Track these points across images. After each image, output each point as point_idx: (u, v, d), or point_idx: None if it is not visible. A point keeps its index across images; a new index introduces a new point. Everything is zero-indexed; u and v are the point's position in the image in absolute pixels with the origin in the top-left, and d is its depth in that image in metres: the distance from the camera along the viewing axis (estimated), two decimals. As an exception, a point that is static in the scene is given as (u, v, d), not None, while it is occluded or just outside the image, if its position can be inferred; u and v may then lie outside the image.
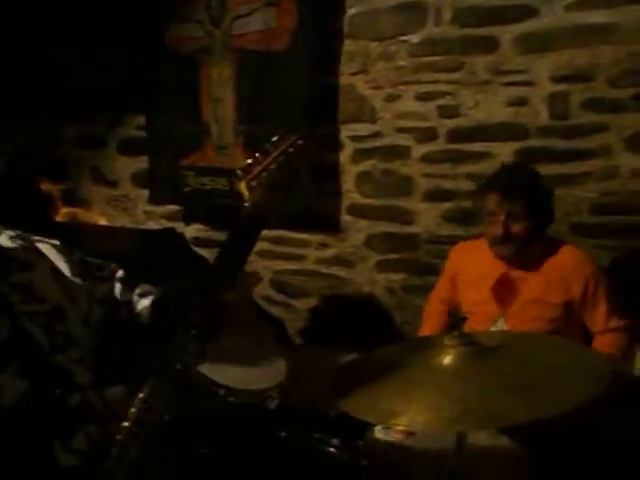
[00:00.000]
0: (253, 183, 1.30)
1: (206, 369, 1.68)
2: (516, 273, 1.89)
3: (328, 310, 2.82)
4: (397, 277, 2.66)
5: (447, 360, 1.08)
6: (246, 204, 1.28)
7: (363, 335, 2.70)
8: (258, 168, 1.33)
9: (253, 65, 2.53)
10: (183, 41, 2.69)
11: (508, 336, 1.42)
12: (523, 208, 1.80)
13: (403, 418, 0.99)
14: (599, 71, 2.16)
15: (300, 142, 1.41)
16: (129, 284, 1.32)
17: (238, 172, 1.32)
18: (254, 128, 2.58)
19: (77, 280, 1.18)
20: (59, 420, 1.06)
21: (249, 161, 1.35)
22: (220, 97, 2.64)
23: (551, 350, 1.16)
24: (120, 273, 1.33)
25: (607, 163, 2.21)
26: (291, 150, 1.39)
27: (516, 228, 1.81)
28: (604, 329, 1.84)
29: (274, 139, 1.41)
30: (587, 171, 2.24)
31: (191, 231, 3.04)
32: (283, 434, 1.47)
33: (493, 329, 1.91)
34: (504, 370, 1.05)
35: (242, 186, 1.30)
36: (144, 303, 1.28)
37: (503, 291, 1.89)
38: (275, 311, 2.93)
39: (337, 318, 2.78)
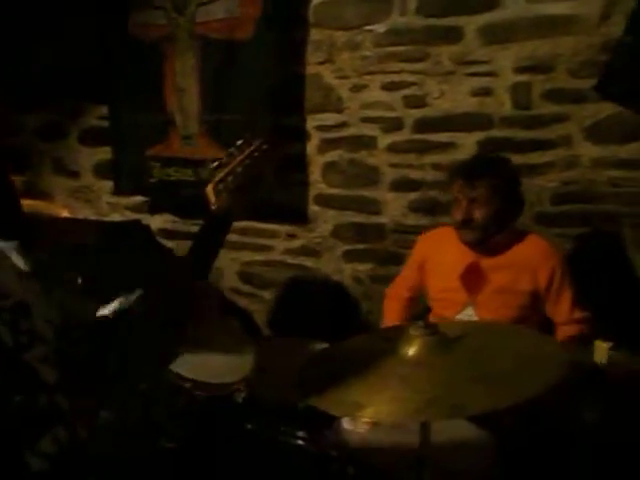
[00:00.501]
0: (219, 187, 1.33)
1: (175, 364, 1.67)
2: (485, 262, 1.92)
3: (296, 300, 2.82)
4: (364, 267, 2.68)
5: (412, 351, 1.09)
6: (212, 207, 1.31)
7: (331, 325, 2.73)
8: (224, 171, 1.36)
9: (217, 54, 2.50)
10: (147, 28, 2.63)
11: (471, 326, 1.45)
12: (485, 193, 1.81)
13: (368, 410, 1.00)
14: (560, 62, 2.19)
15: (265, 146, 1.43)
16: (88, 292, 1.32)
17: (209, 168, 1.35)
18: (219, 118, 2.55)
19: (35, 279, 1.16)
20: (27, 422, 1.04)
21: (215, 164, 1.38)
22: (184, 87, 2.59)
23: (513, 340, 1.18)
24: (79, 282, 1.32)
25: (568, 153, 2.26)
26: (256, 154, 1.41)
27: (478, 213, 1.83)
28: (567, 320, 1.88)
29: (239, 143, 1.42)
30: (549, 161, 2.28)
31: (157, 222, 3.00)
32: (250, 427, 1.46)
33: (461, 316, 1.94)
34: (467, 360, 1.07)
35: (208, 190, 1.31)
36: (111, 307, 1.27)
37: (472, 279, 1.92)
38: (243, 302, 2.92)
39: (305, 308, 2.78)
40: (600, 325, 1.91)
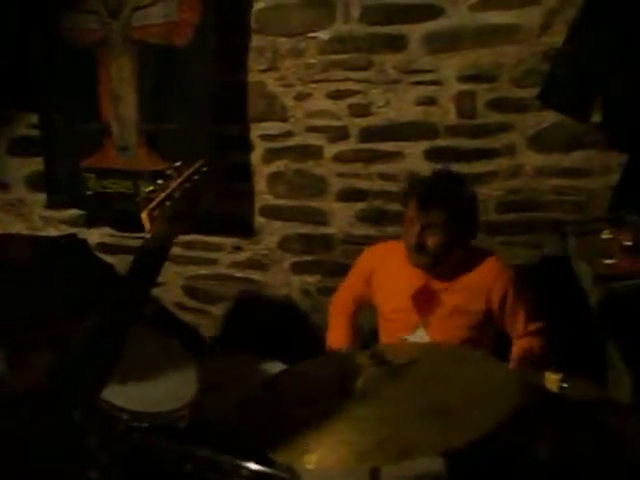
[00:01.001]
0: (155, 213, 1.24)
1: (105, 391, 1.56)
2: (436, 283, 1.86)
3: (244, 315, 2.73)
4: (312, 279, 2.62)
5: (359, 383, 1.04)
6: (147, 236, 1.23)
7: (280, 339, 2.66)
8: (161, 196, 1.27)
9: (155, 60, 2.39)
10: (79, 33, 2.50)
11: (419, 349, 1.39)
12: (440, 220, 1.74)
13: (314, 456, 0.93)
14: (503, 71, 2.20)
15: (205, 169, 1.34)
16: None
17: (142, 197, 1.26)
18: (158, 127, 2.45)
19: None
20: None
21: (151, 188, 1.30)
22: (121, 94, 2.47)
23: (463, 366, 1.14)
24: None
25: (512, 162, 2.26)
26: (196, 177, 1.32)
27: (431, 240, 1.76)
28: (523, 333, 1.86)
29: (177, 165, 1.33)
30: (493, 170, 2.28)
31: (95, 237, 2.86)
32: (189, 468, 1.37)
33: (413, 337, 1.89)
34: (416, 392, 1.02)
35: (143, 216, 1.23)
36: None
37: (423, 301, 1.86)
38: (188, 317, 2.81)
39: (253, 322, 2.70)
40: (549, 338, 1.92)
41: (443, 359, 1.19)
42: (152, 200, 1.25)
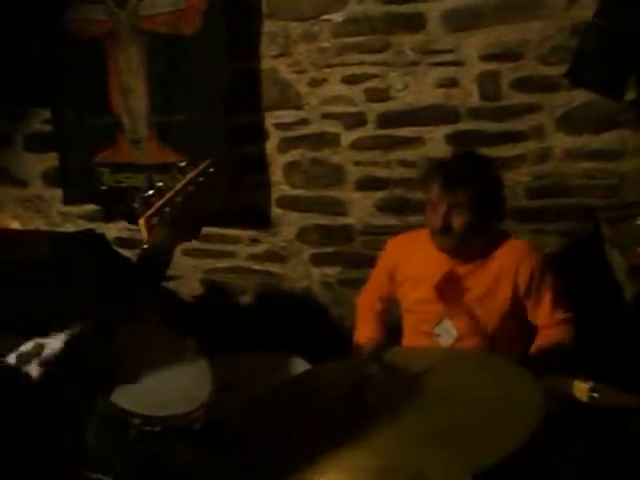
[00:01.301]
0: (154, 220, 1.12)
1: (116, 395, 1.52)
2: (462, 269, 1.77)
3: (264, 308, 2.68)
4: (333, 271, 2.54)
5: (370, 398, 0.96)
6: (145, 246, 1.12)
7: (301, 333, 2.60)
8: (161, 201, 1.14)
9: (164, 50, 2.32)
10: (86, 25, 2.43)
11: (435, 356, 1.30)
12: (465, 199, 1.66)
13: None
14: (529, 48, 2.06)
15: (212, 169, 1.24)
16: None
17: (135, 205, 1.15)
18: (169, 119, 2.38)
19: None
20: None
21: (150, 192, 1.16)
22: (131, 86, 2.41)
23: (481, 375, 1.06)
24: None
25: (540, 145, 2.14)
26: (201, 179, 1.21)
27: (457, 221, 1.68)
28: (549, 323, 1.76)
29: (181, 164, 1.22)
30: (520, 154, 2.16)
31: (113, 231, 2.82)
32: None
33: (438, 329, 1.81)
34: (431, 409, 0.94)
35: (140, 224, 1.11)
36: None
37: (448, 289, 1.77)
38: (207, 312, 2.77)
39: (274, 316, 2.64)
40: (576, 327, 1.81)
41: (461, 368, 1.11)
42: (151, 205, 1.15)
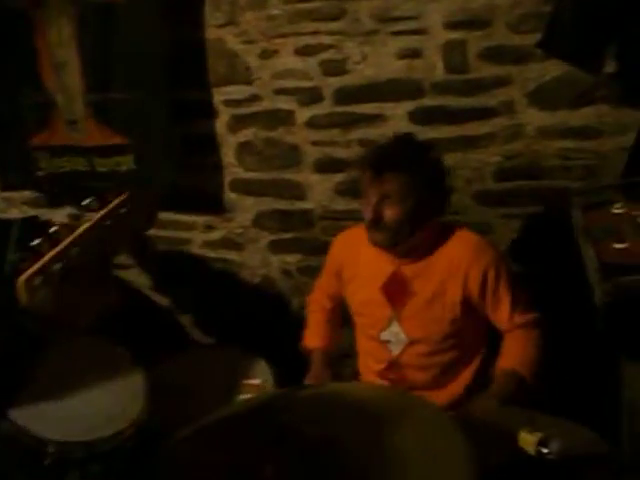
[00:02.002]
0: (36, 281, 0.84)
1: (27, 419, 1.37)
2: (408, 269, 1.62)
3: (221, 297, 2.52)
4: (292, 258, 2.38)
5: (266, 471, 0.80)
6: (25, 308, 0.85)
7: (261, 324, 2.46)
8: (49, 254, 0.87)
9: (95, 20, 2.08)
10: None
11: (348, 406, 1.10)
12: (397, 189, 1.49)
13: None
14: (498, 15, 1.85)
15: (127, 206, 0.98)
16: None
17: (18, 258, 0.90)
18: (106, 97, 2.16)
19: None
20: None
21: (36, 242, 0.89)
22: (63, 61, 2.18)
23: (401, 427, 0.89)
24: None
25: (510, 122, 1.95)
26: (108, 223, 0.96)
27: (389, 213, 1.52)
28: (511, 327, 1.62)
29: (86, 202, 0.97)
30: (489, 132, 1.98)
31: (60, 217, 2.63)
32: None
33: (387, 333, 1.68)
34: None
35: (19, 285, 0.84)
36: None
37: (395, 290, 1.63)
38: (163, 301, 2.61)
39: (231, 306, 2.49)
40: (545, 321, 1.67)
41: (378, 416, 0.94)
42: (37, 259, 0.87)
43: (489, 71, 1.92)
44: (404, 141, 1.60)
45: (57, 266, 0.88)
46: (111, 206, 0.99)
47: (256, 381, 1.88)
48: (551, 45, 1.79)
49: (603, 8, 1.67)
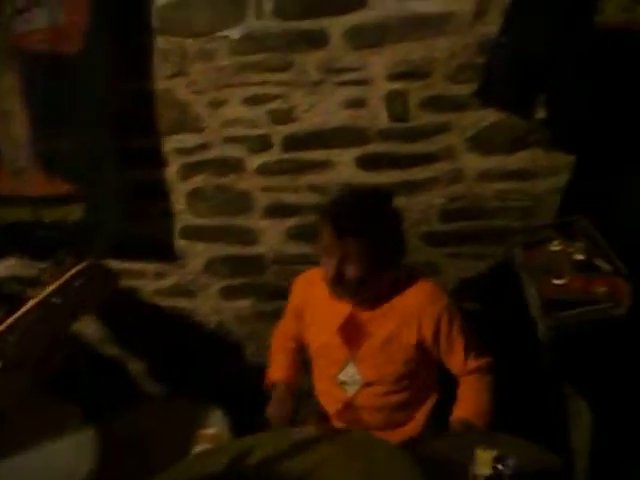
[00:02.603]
0: None
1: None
2: (363, 313, 1.66)
3: (174, 346, 2.48)
4: (245, 303, 2.38)
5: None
6: None
7: (215, 372, 2.43)
8: None
9: (43, 71, 2.08)
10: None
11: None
12: (358, 250, 1.52)
13: None
14: (436, 66, 1.96)
15: (84, 277, 0.92)
16: None
17: None
18: (54, 146, 2.15)
19: None
20: None
21: None
22: (8, 111, 2.16)
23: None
24: None
25: (452, 166, 2.05)
26: (59, 301, 0.90)
27: (350, 271, 1.55)
28: (464, 372, 1.67)
29: (58, 257, 0.90)
30: (432, 176, 2.07)
31: (3, 269, 2.55)
32: None
33: (343, 375, 1.70)
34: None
35: None
36: None
37: (351, 332, 1.65)
38: (114, 352, 2.54)
39: (185, 354, 2.45)
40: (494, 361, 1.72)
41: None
42: None
43: (430, 119, 2.01)
44: (365, 199, 1.61)
45: None
46: (63, 280, 0.93)
47: (211, 430, 1.84)
48: (486, 94, 1.90)
49: (530, 59, 1.80)
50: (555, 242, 1.78)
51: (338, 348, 1.67)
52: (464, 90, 1.95)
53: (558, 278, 1.60)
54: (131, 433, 1.89)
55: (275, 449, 1.10)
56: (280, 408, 1.71)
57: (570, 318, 1.45)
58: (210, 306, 2.41)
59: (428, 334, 1.62)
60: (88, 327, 2.51)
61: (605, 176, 1.81)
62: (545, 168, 1.99)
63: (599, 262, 1.62)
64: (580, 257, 1.65)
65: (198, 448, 1.79)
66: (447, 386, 1.76)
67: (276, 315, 2.26)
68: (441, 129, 2.01)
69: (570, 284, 1.57)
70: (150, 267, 2.41)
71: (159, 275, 2.41)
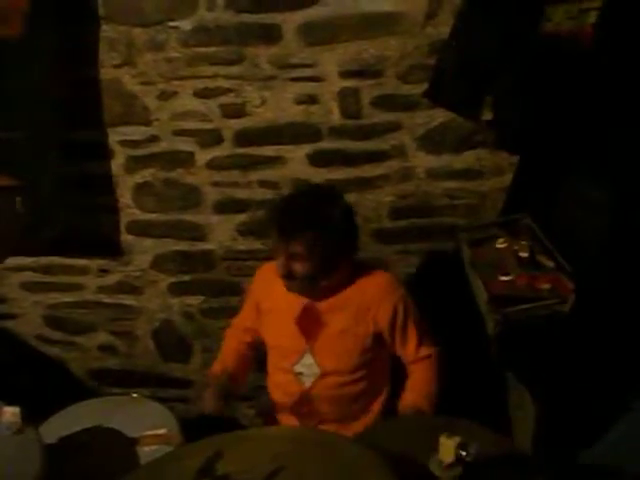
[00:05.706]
0: None
1: None
2: (320, 304, 1.68)
3: (120, 344, 2.41)
4: (194, 300, 2.34)
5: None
6: None
7: (160, 369, 2.39)
8: None
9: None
10: None
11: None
12: (304, 249, 1.56)
13: None
14: (388, 65, 1.99)
15: None
16: None
17: None
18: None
19: None
20: None
21: None
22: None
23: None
24: None
25: (402, 164, 2.08)
26: None
27: (298, 268, 1.59)
28: (415, 359, 1.72)
29: None
30: (383, 173, 2.10)
31: None
32: None
33: (299, 366, 1.71)
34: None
35: None
36: None
37: (309, 323, 1.67)
38: (54, 352, 2.45)
39: (131, 351, 2.39)
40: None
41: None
42: None
43: (381, 117, 2.04)
44: (309, 197, 1.64)
45: None
46: None
47: (162, 431, 1.81)
48: (436, 95, 1.95)
49: (478, 62, 1.85)
50: (500, 240, 1.85)
51: (295, 339, 1.68)
52: (415, 90, 1.98)
53: (504, 275, 1.67)
54: (75, 434, 1.83)
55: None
56: (208, 404, 1.67)
57: (517, 314, 1.51)
58: (157, 303, 2.35)
59: (384, 323, 1.65)
60: (26, 326, 2.41)
61: (547, 176, 1.89)
62: (490, 168, 2.06)
63: (542, 259, 1.69)
64: (525, 254, 1.72)
65: (147, 449, 1.75)
66: (396, 380, 1.80)
67: (225, 312, 2.26)
68: (392, 127, 2.04)
69: (516, 281, 1.64)
70: (93, 264, 2.33)
71: (103, 271, 2.33)
